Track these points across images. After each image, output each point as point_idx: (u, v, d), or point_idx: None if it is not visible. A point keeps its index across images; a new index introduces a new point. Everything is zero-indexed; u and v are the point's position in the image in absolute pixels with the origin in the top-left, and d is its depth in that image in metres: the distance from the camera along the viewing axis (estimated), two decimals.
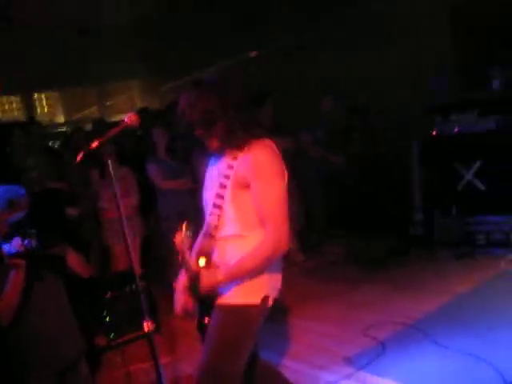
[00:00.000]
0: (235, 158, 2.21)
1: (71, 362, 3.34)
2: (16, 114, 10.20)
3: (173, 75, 9.42)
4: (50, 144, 6.99)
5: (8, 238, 2.99)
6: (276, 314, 2.25)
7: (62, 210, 4.48)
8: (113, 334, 4.30)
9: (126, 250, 2.27)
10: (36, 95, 10.59)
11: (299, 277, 5.35)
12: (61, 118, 10.74)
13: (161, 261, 5.81)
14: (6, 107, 10.16)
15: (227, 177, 2.21)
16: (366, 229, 6.23)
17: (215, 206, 2.23)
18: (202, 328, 2.24)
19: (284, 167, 2.22)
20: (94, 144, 2.03)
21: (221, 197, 2.21)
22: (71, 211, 4.90)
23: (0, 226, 3.15)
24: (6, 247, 2.96)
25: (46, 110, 10.81)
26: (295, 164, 5.86)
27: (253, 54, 8.14)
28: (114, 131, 2.10)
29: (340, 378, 3.28)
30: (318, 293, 4.87)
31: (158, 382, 2.09)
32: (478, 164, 5.41)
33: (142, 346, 3.99)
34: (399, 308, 4.24)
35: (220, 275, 2.15)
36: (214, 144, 2.23)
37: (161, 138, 5.12)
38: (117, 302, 4.37)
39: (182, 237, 2.14)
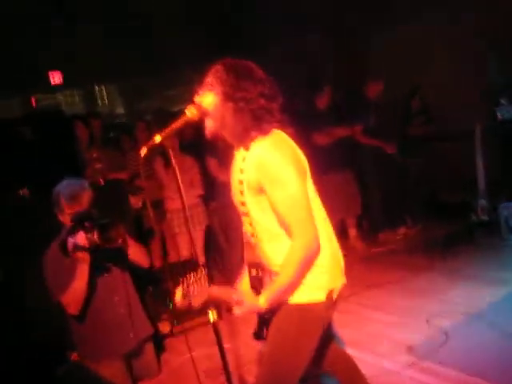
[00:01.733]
0: (244, 160, 2.11)
1: (138, 345, 3.49)
2: (78, 107, 10.49)
3: None
4: (111, 135, 7.16)
5: (72, 231, 3.08)
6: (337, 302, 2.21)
7: (126, 200, 4.62)
8: (176, 321, 4.41)
9: (190, 240, 2.32)
10: (97, 88, 10.84)
11: (359, 264, 5.31)
12: (121, 110, 10.97)
13: (220, 250, 5.91)
14: (69, 100, 10.47)
15: (241, 182, 2.11)
16: (428, 215, 6.13)
17: (243, 213, 2.16)
18: (259, 338, 2.20)
19: (298, 159, 2.08)
20: (158, 138, 2.02)
21: (243, 204, 2.12)
22: (135, 201, 5.04)
23: (64, 220, 3.27)
24: (71, 241, 3.06)
25: (106, 101, 11.07)
26: (353, 153, 5.92)
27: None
28: (175, 125, 2.06)
29: (402, 366, 3.26)
30: (379, 281, 4.83)
31: (224, 367, 2.13)
32: None
33: (205, 332, 4.08)
34: (463, 297, 4.15)
35: (262, 302, 2.01)
36: (211, 126, 2.13)
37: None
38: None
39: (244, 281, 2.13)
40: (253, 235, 2.14)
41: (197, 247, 5.14)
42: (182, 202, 2.18)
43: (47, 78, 8.96)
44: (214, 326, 2.09)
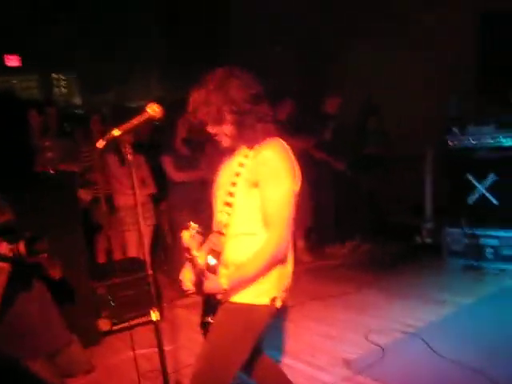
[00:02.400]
0: (246, 156, 2.20)
1: (55, 349, 3.46)
2: (34, 91, 10.26)
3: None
4: (65, 126, 7.02)
5: None
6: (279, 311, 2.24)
7: (75, 193, 4.51)
8: (116, 319, 4.35)
9: (139, 238, 2.29)
10: (54, 75, 10.63)
11: (305, 276, 5.38)
12: (78, 100, 10.78)
13: (167, 250, 5.86)
14: (25, 85, 10.22)
15: (238, 175, 2.20)
16: (373, 232, 6.27)
17: (226, 203, 2.21)
18: (205, 326, 2.22)
19: (295, 168, 2.19)
20: (117, 132, 2.00)
21: (231, 195, 2.19)
22: (84, 195, 4.94)
23: None
24: None
25: (63, 90, 10.86)
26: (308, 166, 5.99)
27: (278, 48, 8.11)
28: (136, 121, 2.04)
29: (338, 380, 3.30)
30: (322, 293, 4.90)
31: (162, 368, 2.11)
32: (491, 178, 5.41)
33: (145, 332, 4.05)
34: (402, 315, 4.26)
35: (224, 283, 2.10)
36: (227, 142, 2.23)
37: (180, 128, 5.13)
38: (123, 287, 4.42)
39: (189, 234, 2.09)
40: (226, 226, 2.20)
41: (145, 246, 5.07)
42: (135, 199, 2.17)
43: (2, 60, 8.75)
44: (156, 326, 2.07)
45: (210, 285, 2.12)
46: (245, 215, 2.18)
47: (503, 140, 5.31)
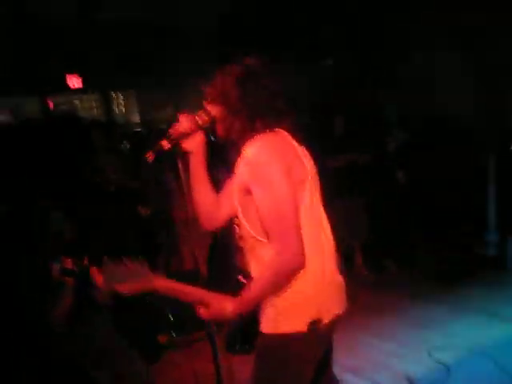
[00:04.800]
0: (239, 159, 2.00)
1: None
2: (95, 111, 10.59)
3: None
4: (124, 143, 7.21)
5: (59, 256, 3.16)
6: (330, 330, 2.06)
7: (135, 209, 4.62)
8: (175, 333, 4.39)
9: (194, 250, 2.30)
10: (113, 94, 10.93)
11: (362, 290, 5.27)
12: (136, 118, 11.05)
13: (229, 264, 5.88)
14: (86, 105, 10.57)
15: (234, 182, 2.01)
16: (432, 244, 6.09)
17: (234, 214, 2.03)
18: (231, 350, 2.12)
19: (294, 163, 1.90)
20: (165, 144, 2.00)
21: (235, 203, 2.00)
22: (143, 210, 5.04)
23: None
24: (58, 266, 3.14)
25: (122, 109, 11.16)
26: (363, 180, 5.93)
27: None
28: (183, 129, 2.03)
29: None
30: (382, 308, 4.79)
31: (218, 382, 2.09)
32: None
33: (206, 346, 4.07)
34: (465, 330, 4.11)
35: (229, 307, 1.85)
36: (220, 132, 2.05)
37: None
38: (180, 301, 4.45)
39: None
40: (242, 238, 2.01)
41: (200, 258, 5.11)
42: (190, 214, 2.18)
43: (65, 81, 9.09)
44: (211, 339, 2.05)
45: (215, 312, 1.88)
46: (249, 226, 1.94)
47: None
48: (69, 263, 3.18)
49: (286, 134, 1.98)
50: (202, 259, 5.17)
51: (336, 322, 1.99)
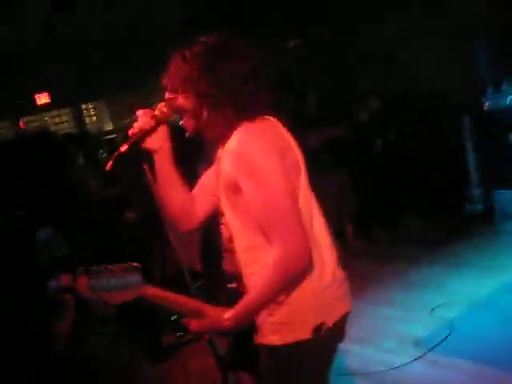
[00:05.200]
0: (221, 155, 1.76)
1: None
2: (66, 125, 10.51)
3: None
4: (100, 152, 7.18)
5: (56, 274, 3.14)
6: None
7: (122, 215, 4.61)
8: (181, 333, 4.40)
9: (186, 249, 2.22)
10: (83, 106, 10.85)
11: (356, 260, 5.30)
12: (109, 126, 10.98)
13: (218, 255, 5.89)
14: (57, 120, 10.48)
15: (218, 180, 1.76)
16: (421, 209, 6.16)
17: (220, 213, 1.79)
18: (223, 365, 1.80)
19: (288, 151, 1.69)
20: (123, 148, 1.75)
21: (220, 203, 1.78)
22: (129, 215, 5.02)
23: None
24: (55, 283, 3.10)
25: (93, 119, 11.08)
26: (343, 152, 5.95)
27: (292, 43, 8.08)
28: (143, 127, 1.79)
29: (410, 360, 3.27)
30: (378, 275, 4.84)
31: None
32: None
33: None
34: (463, 286, 4.18)
35: (227, 316, 1.65)
36: (189, 125, 1.78)
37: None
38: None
39: None
40: (229, 240, 1.77)
41: (195, 255, 5.11)
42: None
43: (34, 99, 9.03)
44: (213, 346, 1.87)
45: (210, 325, 1.69)
46: (241, 226, 1.71)
47: None
48: (66, 280, 3.15)
49: (272, 119, 1.75)
50: (195, 258, 5.19)
51: (345, 319, 1.85)
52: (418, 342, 3.45)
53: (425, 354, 3.28)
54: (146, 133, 1.79)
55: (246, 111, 1.67)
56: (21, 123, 9.38)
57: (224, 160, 1.70)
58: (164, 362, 4.10)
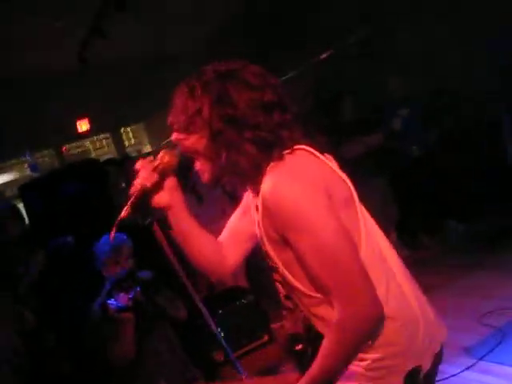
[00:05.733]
0: (257, 205, 1.47)
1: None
2: (106, 149, 10.77)
3: None
4: None
5: (113, 293, 3.21)
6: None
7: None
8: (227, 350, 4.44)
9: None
10: (123, 129, 11.11)
11: None
12: (147, 148, 11.20)
13: (263, 272, 5.91)
14: (97, 145, 10.76)
15: (260, 233, 1.50)
16: (464, 212, 6.04)
17: (271, 267, 1.55)
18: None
19: (331, 185, 1.42)
20: (125, 213, 1.54)
21: (269, 258, 1.51)
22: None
23: (107, 272, 3.39)
24: (113, 303, 3.18)
25: (132, 141, 11.33)
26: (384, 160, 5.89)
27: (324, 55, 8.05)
28: (142, 189, 1.55)
29: (461, 369, 3.22)
30: (425, 283, 4.72)
31: None
32: None
33: (258, 356, 4.13)
34: None
35: None
36: (206, 170, 1.51)
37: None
38: (229, 317, 4.52)
39: None
40: (288, 297, 1.57)
41: (240, 273, 5.16)
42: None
43: (74, 126, 9.30)
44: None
45: None
46: (299, 282, 1.48)
47: None
48: (124, 299, 3.22)
49: (306, 149, 1.46)
50: (241, 273, 5.23)
51: (440, 354, 1.57)
52: (468, 351, 3.40)
53: (476, 363, 3.23)
54: (150, 190, 1.55)
55: (272, 148, 1.41)
56: (63, 150, 9.68)
57: (261, 211, 1.44)
58: (216, 379, 4.15)
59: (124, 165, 5.54)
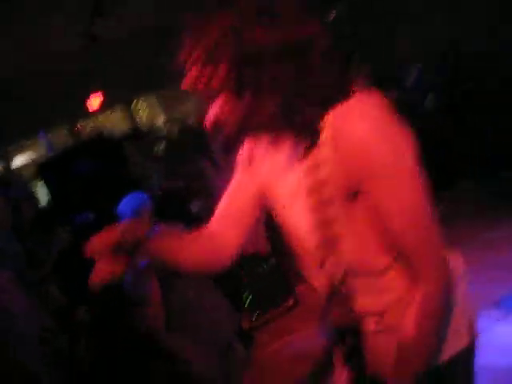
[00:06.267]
0: (313, 148, 1.17)
1: (225, 342, 3.57)
2: (120, 122, 10.76)
3: None
4: (156, 150, 7.31)
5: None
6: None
7: (186, 208, 4.69)
8: (256, 314, 4.47)
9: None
10: (135, 102, 11.05)
11: None
12: (161, 118, 11.15)
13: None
14: (110, 118, 10.73)
15: (320, 184, 1.18)
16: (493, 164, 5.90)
17: (322, 244, 1.23)
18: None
19: (409, 135, 1.15)
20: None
21: (326, 224, 1.20)
22: (193, 207, 5.10)
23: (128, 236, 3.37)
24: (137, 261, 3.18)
25: (146, 114, 11.28)
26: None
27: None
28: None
29: (491, 322, 3.18)
30: (455, 238, 4.67)
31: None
32: None
33: (285, 320, 4.15)
34: None
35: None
36: (232, 117, 1.18)
37: None
38: (254, 282, 4.52)
39: None
40: (340, 281, 1.26)
41: (261, 238, 5.14)
42: None
43: (87, 102, 9.28)
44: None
45: None
46: (362, 245, 1.22)
47: None
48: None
49: (379, 96, 1.19)
50: (262, 238, 5.22)
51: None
52: (498, 304, 3.37)
53: (508, 315, 3.20)
54: (113, 276, 1.33)
55: (344, 83, 1.15)
56: (77, 127, 9.69)
57: (329, 154, 1.15)
58: (249, 346, 4.17)
59: (138, 139, 5.53)
